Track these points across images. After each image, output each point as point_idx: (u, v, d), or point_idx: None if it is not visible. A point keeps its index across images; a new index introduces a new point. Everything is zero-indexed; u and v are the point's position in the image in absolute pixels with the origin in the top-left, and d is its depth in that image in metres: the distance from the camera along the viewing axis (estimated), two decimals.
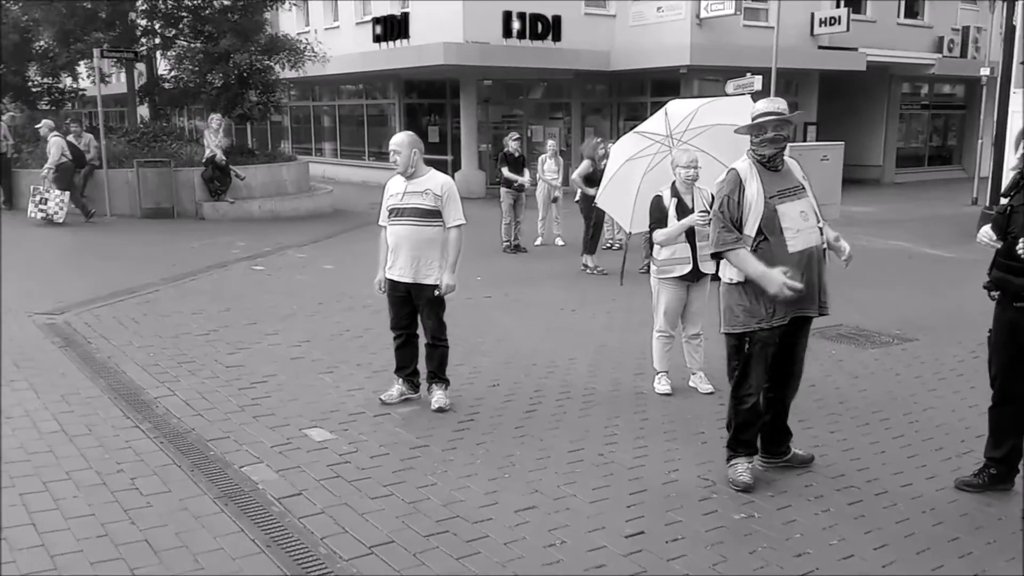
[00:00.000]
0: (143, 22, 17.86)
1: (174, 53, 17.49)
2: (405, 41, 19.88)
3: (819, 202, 4.20)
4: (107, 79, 19.00)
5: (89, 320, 7.34)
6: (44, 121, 14.73)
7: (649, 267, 6.06)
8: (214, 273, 9.79)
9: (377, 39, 20.54)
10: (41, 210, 13.19)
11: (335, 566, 3.37)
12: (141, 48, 17.41)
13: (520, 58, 18.74)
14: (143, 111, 20.36)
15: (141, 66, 18.69)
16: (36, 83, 18.60)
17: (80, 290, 8.50)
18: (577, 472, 4.36)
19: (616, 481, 4.26)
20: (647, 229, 5.81)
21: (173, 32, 17.72)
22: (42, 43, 17.57)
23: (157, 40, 18.09)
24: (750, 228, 3.99)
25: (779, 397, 4.31)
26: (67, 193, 13.31)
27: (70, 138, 14.13)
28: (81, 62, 17.45)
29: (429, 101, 22.54)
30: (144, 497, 3.95)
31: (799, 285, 3.86)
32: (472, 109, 20.41)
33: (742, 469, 4.16)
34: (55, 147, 13.44)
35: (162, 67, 18.94)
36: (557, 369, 6.20)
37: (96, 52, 14.75)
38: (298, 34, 18.38)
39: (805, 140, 18.83)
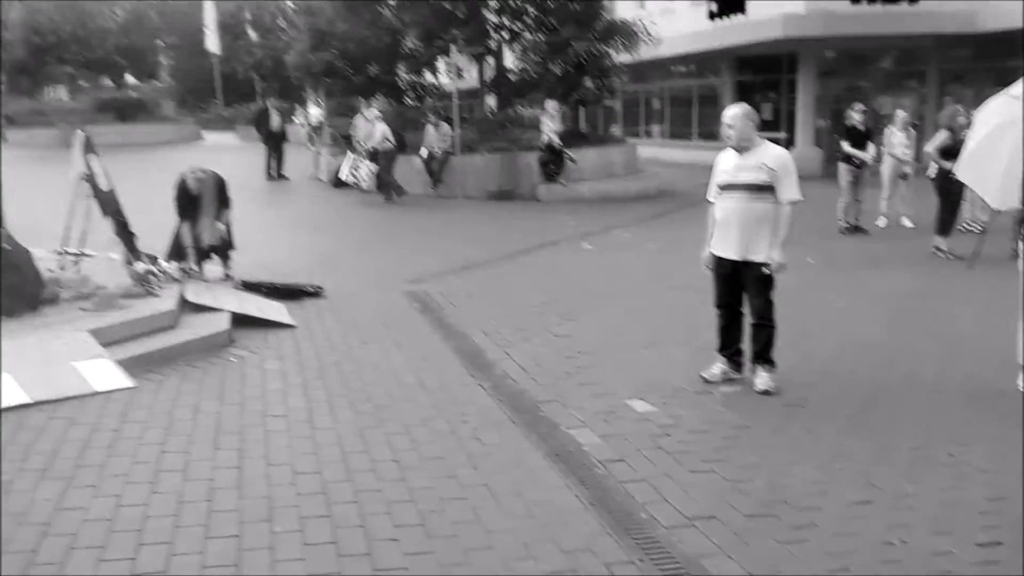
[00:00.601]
0: (494, 18, 19.26)
1: (520, 46, 18.66)
2: (741, 16, 19.31)
3: None
4: (462, 74, 20.80)
5: (442, 289, 8.16)
6: (372, 109, 16.79)
7: (1019, 252, 5.34)
8: (547, 250, 10.35)
9: (712, 16, 20.19)
10: (353, 175, 15.36)
11: (655, 532, 3.45)
12: (492, 43, 18.82)
13: (870, 24, 17.31)
14: (491, 102, 22.02)
15: (491, 60, 20.20)
16: (403, 80, 20.89)
17: (435, 263, 9.46)
18: (921, 470, 4.02)
19: (968, 484, 3.86)
20: (1019, 206, 5.12)
21: (520, 26, 18.90)
22: (409, 43, 19.67)
23: (506, 35, 19.42)
24: None
25: None
26: (375, 167, 15.14)
27: (429, 127, 15.77)
28: (440, 59, 19.29)
29: (763, 77, 21.75)
30: (484, 447, 4.35)
31: None
32: (810, 83, 19.34)
33: None
34: (379, 131, 15.26)
35: (508, 60, 20.30)
36: (900, 359, 5.72)
37: (453, 48, 16.23)
38: (633, 18, 18.67)
39: None
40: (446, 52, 17.04)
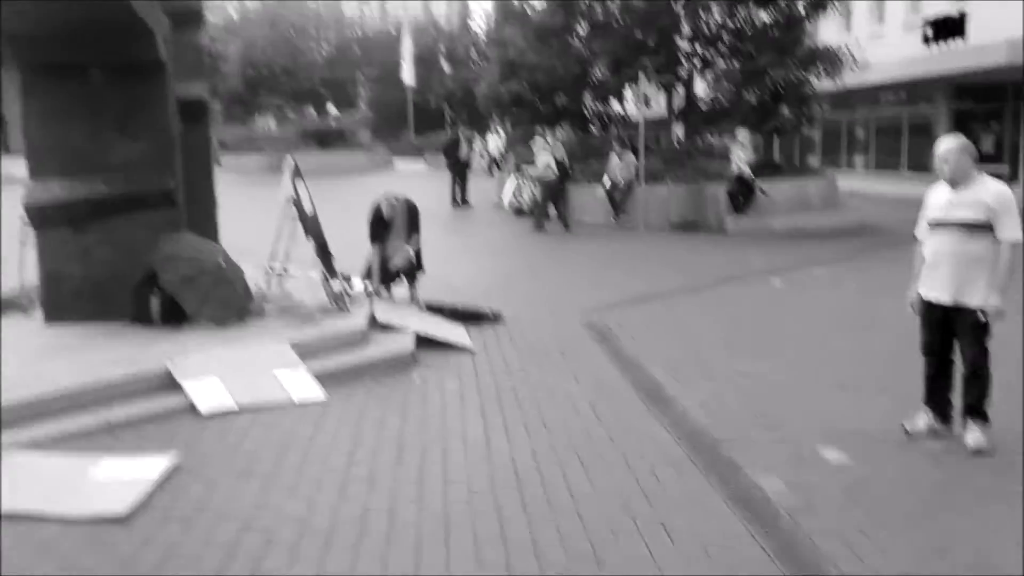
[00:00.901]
0: (686, 46, 19.08)
1: (712, 74, 18.37)
2: (960, 41, 18.03)
3: None
4: (650, 102, 20.73)
5: (621, 320, 8.08)
6: (538, 137, 17.21)
7: None
8: (733, 285, 10.04)
9: (927, 40, 18.99)
10: (517, 199, 16.08)
11: None
12: (682, 71, 18.65)
13: None
14: (679, 131, 21.79)
15: (681, 88, 20.02)
16: (590, 109, 21.09)
17: (614, 293, 9.40)
18: None
19: None
20: None
21: (713, 53, 18.62)
22: (597, 72, 19.84)
23: (697, 62, 19.18)
24: None
25: None
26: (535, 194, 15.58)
27: (613, 156, 15.80)
28: (628, 88, 19.32)
29: (984, 106, 20.13)
30: (660, 484, 4.23)
31: None
32: None
33: None
34: (541, 162, 15.49)
35: (699, 88, 20.03)
36: None
37: (642, 77, 16.20)
38: (838, 43, 17.88)
39: None
40: (634, 80, 17.02)
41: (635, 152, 16.11)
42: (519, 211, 17.08)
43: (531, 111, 20.14)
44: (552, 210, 15.46)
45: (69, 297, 6.63)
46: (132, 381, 5.29)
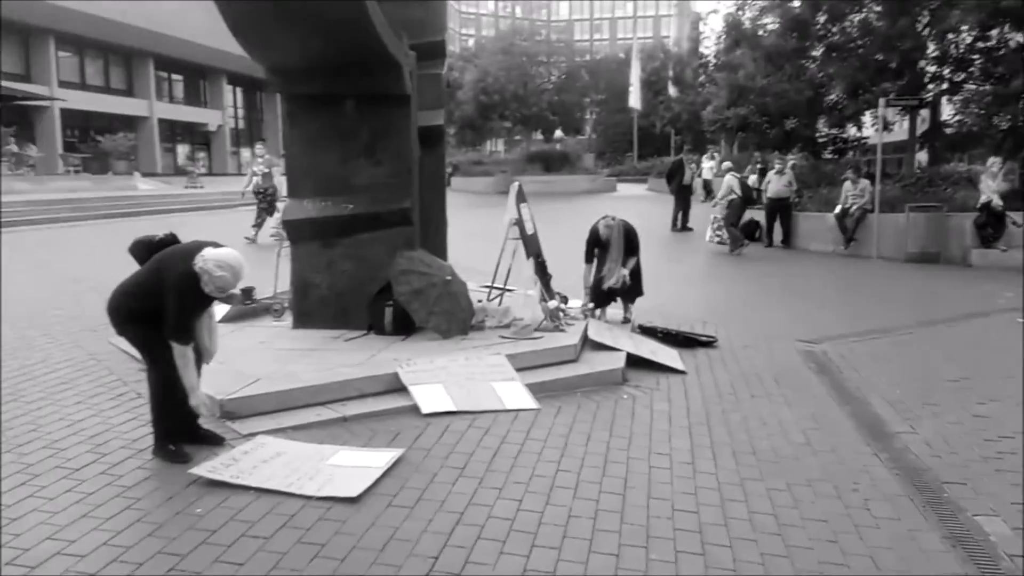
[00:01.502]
0: (932, 68, 17.89)
1: (960, 97, 17.08)
2: None
3: None
4: (890, 127, 19.60)
5: (843, 352, 7.74)
6: (726, 164, 17.68)
7: None
8: (973, 322, 9.27)
9: None
10: (717, 235, 15.56)
11: None
12: (927, 95, 17.49)
13: None
14: (921, 157, 20.39)
15: (924, 112, 18.77)
16: (823, 134, 20.27)
17: (839, 323, 9.01)
18: None
19: None
20: None
21: (962, 76, 17.32)
22: (832, 96, 19.05)
23: (944, 85, 17.91)
24: None
25: None
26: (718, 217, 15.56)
27: (847, 183, 15.10)
28: (866, 112, 18.38)
29: None
30: (874, 519, 4.07)
31: None
32: None
33: None
34: (725, 185, 15.72)
35: (945, 112, 18.69)
36: None
37: (881, 101, 15.38)
38: None
39: None
40: (873, 105, 16.21)
41: (870, 178, 15.30)
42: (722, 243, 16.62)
43: (758, 136, 19.69)
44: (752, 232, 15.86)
45: (315, 305, 7.39)
46: (365, 382, 5.83)
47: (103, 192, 26.12)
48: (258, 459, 4.63)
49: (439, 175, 9.12)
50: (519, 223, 8.08)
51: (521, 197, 8.29)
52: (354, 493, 4.25)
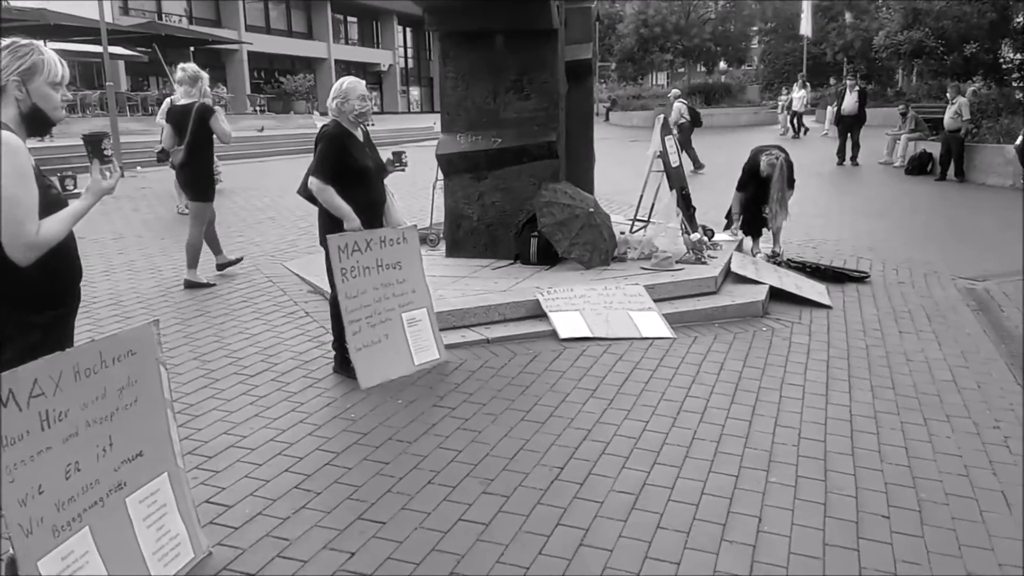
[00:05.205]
0: None
1: None
2: None
3: None
4: None
5: (1008, 291, 7.32)
6: (674, 91, 19.53)
7: None
8: None
9: None
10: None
11: None
12: None
13: None
14: None
15: None
16: (1007, 60, 18.55)
17: (1006, 261, 8.47)
18: None
19: None
20: None
21: None
22: (1019, 19, 17.37)
23: None
24: None
25: None
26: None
27: None
28: None
29: None
30: (1012, 455, 3.98)
31: None
32: None
33: None
34: (675, 111, 17.31)
35: None
36: None
37: None
38: None
39: None
40: None
41: None
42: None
43: (936, 62, 18.28)
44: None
45: (466, 235, 7.75)
46: (508, 307, 6.13)
47: (286, 130, 27.82)
48: None
49: (587, 109, 9.19)
50: (663, 155, 8.07)
51: (667, 130, 8.26)
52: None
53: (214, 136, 7.29)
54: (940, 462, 3.93)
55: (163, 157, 7.51)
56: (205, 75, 7.55)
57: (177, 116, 7.32)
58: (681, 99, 17.57)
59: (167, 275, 7.90)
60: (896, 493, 3.61)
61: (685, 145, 16.15)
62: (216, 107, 7.45)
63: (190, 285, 7.39)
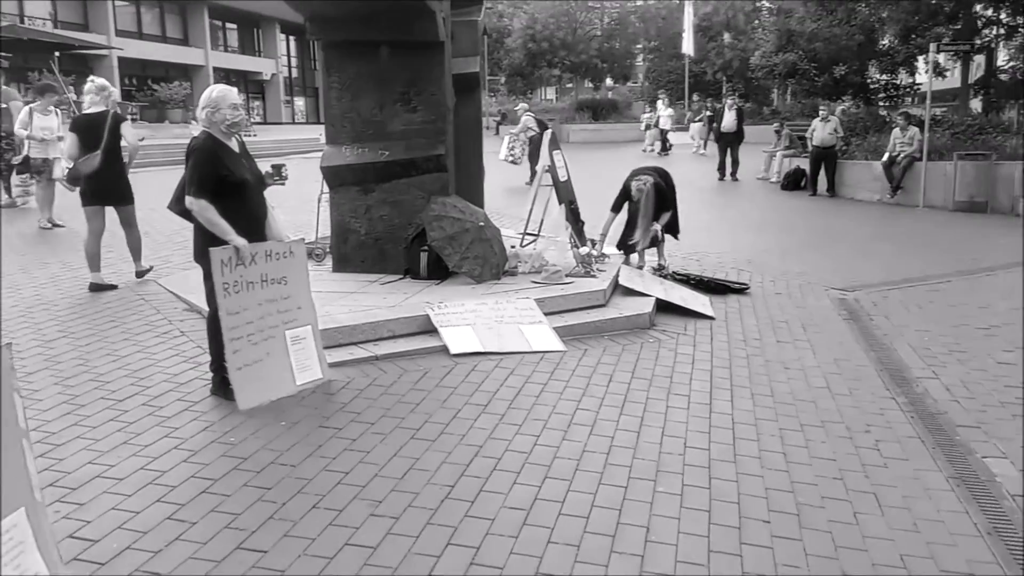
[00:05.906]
0: (988, 13, 17.24)
1: (1016, 43, 16.46)
2: None
3: None
4: (945, 73, 18.99)
5: (876, 300, 7.72)
6: (522, 105, 19.38)
7: None
8: (1014, 271, 9.10)
9: None
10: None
11: None
12: (982, 40, 16.89)
13: None
14: (975, 104, 19.76)
15: (979, 59, 18.16)
16: (873, 80, 19.70)
17: (876, 272, 8.95)
18: None
19: None
20: None
21: (1019, 20, 16.66)
22: (884, 42, 18.49)
23: (1000, 31, 17.27)
24: None
25: None
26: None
27: (896, 130, 14.76)
28: (919, 57, 17.82)
29: None
30: (882, 459, 4.16)
31: None
32: None
33: None
34: (522, 124, 17.06)
35: (1001, 58, 18.05)
36: None
37: (932, 47, 14.92)
38: None
39: None
40: (926, 50, 15.73)
41: (920, 126, 14.93)
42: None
43: (808, 82, 19.23)
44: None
45: (354, 249, 7.59)
46: (397, 323, 6.03)
47: (160, 140, 26.65)
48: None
49: (475, 122, 9.19)
50: (551, 170, 8.15)
51: (554, 144, 8.34)
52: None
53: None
54: (816, 466, 4.07)
55: (75, 183, 7.59)
56: (113, 88, 7.80)
57: (84, 125, 7.40)
58: (528, 112, 18.09)
59: (26, 294, 7.42)
60: (776, 498, 3.72)
61: (533, 156, 16.49)
62: (126, 115, 7.57)
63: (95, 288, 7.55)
